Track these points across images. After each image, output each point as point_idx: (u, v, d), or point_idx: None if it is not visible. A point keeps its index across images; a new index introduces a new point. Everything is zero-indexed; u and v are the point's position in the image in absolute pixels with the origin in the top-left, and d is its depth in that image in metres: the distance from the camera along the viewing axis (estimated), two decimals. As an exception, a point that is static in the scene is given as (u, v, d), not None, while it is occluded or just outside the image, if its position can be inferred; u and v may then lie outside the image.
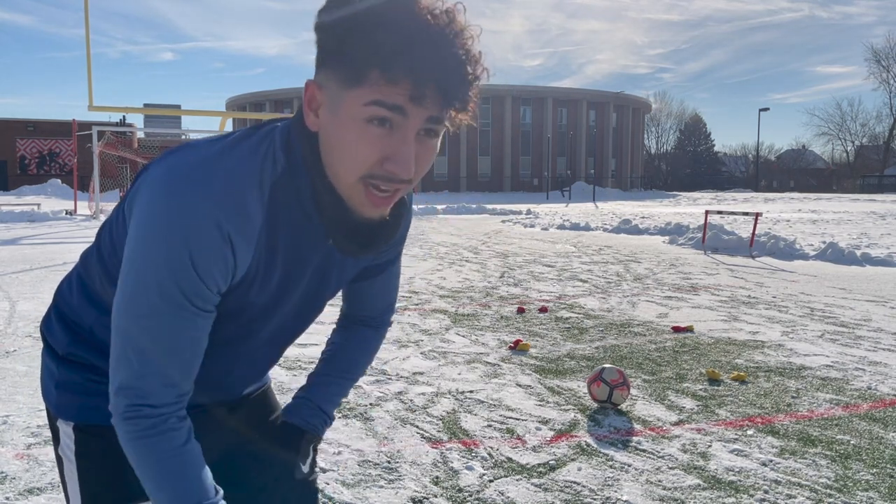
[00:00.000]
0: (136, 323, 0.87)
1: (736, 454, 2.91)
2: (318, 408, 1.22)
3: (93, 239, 1.05)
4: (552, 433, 3.15)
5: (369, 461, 2.83)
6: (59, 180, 37.20)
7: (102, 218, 19.72)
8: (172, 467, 0.90)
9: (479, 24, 0.83)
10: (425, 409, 3.47)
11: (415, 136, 0.82)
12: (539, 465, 2.80)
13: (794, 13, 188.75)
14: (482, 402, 3.58)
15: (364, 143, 0.81)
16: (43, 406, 3.44)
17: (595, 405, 3.50)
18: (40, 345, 4.81)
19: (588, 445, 3.01)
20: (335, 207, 0.89)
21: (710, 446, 3.00)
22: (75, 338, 1.05)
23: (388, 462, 2.82)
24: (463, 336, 5.07)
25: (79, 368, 1.04)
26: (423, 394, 3.70)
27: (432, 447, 2.98)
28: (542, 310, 6.06)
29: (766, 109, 63.70)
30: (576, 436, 3.12)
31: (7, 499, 2.47)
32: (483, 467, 2.77)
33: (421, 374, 4.09)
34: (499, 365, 4.30)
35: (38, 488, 2.55)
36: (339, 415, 3.36)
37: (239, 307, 0.95)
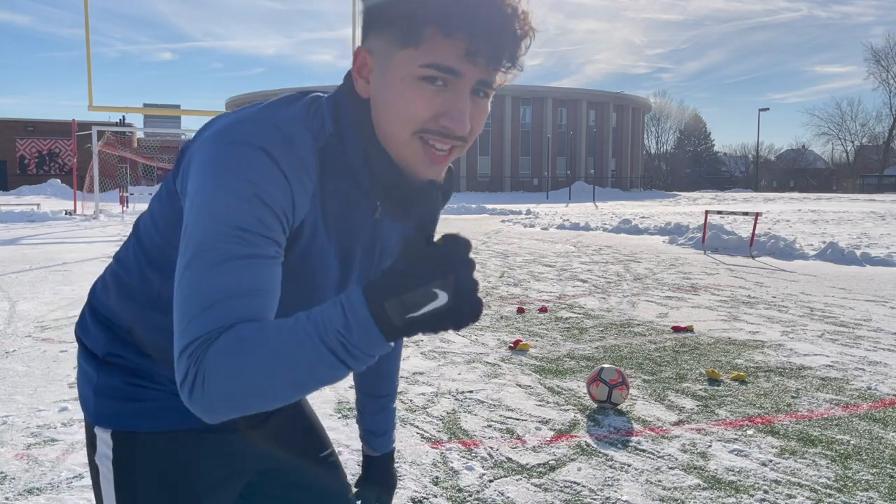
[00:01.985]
0: (209, 271, 0.78)
1: (736, 454, 2.91)
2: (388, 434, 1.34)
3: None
4: (552, 433, 3.15)
5: (369, 461, 2.82)
6: (58, 180, 37.22)
7: (102, 218, 19.71)
8: (281, 344, 0.72)
9: None
10: (425, 409, 3.47)
11: (469, 94, 0.84)
12: (539, 465, 2.80)
13: (793, 13, 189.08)
14: (482, 402, 3.58)
15: (418, 100, 0.83)
16: (42, 407, 3.43)
17: (595, 405, 3.50)
18: (39, 345, 4.75)
19: (588, 445, 3.01)
20: (387, 170, 0.89)
21: (710, 446, 3.00)
22: (113, 337, 1.03)
23: (388, 462, 2.81)
24: (463, 336, 5.07)
25: (119, 371, 1.02)
26: (423, 394, 3.70)
27: (432, 447, 2.98)
28: (542, 310, 6.06)
29: (765, 109, 63.84)
30: (576, 436, 3.12)
31: (7, 499, 2.46)
32: (483, 467, 2.77)
33: (421, 374, 4.09)
34: (499, 365, 4.30)
35: (37, 488, 2.55)
36: (339, 415, 3.36)
37: (302, 265, 0.91)
